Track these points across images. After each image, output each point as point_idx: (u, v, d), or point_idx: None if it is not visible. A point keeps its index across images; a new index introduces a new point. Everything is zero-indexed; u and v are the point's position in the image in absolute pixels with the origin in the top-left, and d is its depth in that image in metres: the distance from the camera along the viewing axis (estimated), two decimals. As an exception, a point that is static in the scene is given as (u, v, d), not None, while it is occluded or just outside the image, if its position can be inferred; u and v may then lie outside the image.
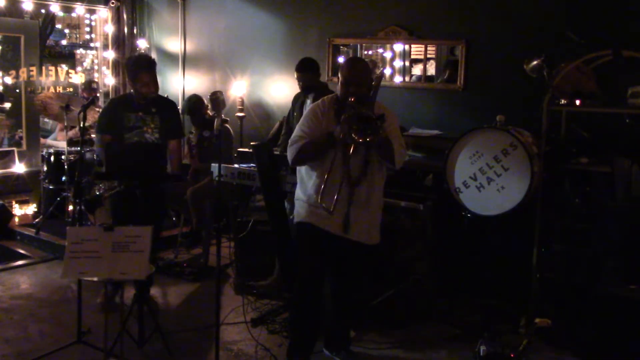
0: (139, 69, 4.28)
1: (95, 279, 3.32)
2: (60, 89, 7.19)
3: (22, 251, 5.85)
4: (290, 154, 3.44)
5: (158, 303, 4.59)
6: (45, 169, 6.46)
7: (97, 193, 4.36)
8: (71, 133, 6.53)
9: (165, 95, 4.86)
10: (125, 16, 7.67)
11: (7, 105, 7.17)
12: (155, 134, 4.37)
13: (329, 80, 5.88)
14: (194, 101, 5.79)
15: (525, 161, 3.87)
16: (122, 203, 4.29)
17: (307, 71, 4.84)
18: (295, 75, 4.87)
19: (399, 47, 6.10)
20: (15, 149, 6.94)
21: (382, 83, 3.90)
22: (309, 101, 4.80)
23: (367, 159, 3.37)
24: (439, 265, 4.50)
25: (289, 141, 3.47)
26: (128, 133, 4.33)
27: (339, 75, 3.44)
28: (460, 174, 4.12)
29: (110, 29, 7.76)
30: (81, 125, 4.16)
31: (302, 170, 3.52)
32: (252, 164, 4.55)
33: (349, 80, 3.35)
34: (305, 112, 3.58)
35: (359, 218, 3.41)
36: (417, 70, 6.22)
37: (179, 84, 7.54)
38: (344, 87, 3.37)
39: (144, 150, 4.35)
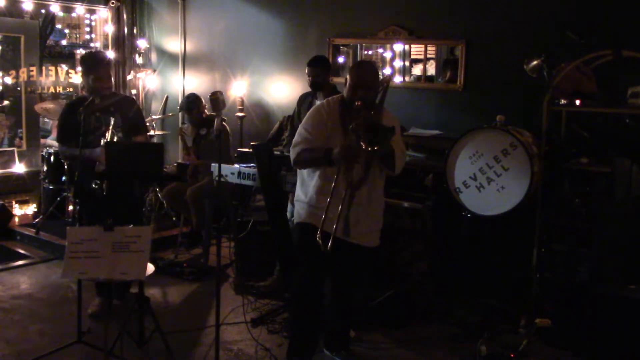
0: (93, 64, 4.20)
1: (95, 279, 3.32)
2: (60, 89, 7.19)
3: (22, 251, 5.84)
4: (292, 154, 3.44)
5: (155, 304, 4.57)
6: (45, 169, 6.46)
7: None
8: None
9: (165, 96, 4.82)
10: (125, 16, 7.67)
11: (6, 102, 7.16)
12: (118, 134, 4.22)
13: (330, 78, 5.87)
14: (192, 100, 5.82)
15: (525, 161, 3.87)
16: (88, 202, 4.23)
17: (317, 66, 4.82)
18: (306, 71, 4.86)
19: (399, 47, 6.10)
20: (15, 149, 6.94)
21: (383, 84, 3.90)
22: (317, 101, 4.78)
23: (369, 162, 3.37)
24: (439, 265, 4.51)
25: (293, 141, 3.47)
26: (90, 136, 4.19)
27: (347, 77, 3.41)
28: (460, 174, 4.12)
29: (110, 29, 7.76)
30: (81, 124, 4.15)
31: (303, 171, 3.51)
32: (252, 164, 4.55)
33: (357, 83, 3.33)
34: (309, 111, 3.57)
35: (360, 221, 3.40)
36: (417, 70, 6.22)
37: (179, 84, 7.55)
38: (352, 89, 3.35)
39: (141, 149, 4.31)
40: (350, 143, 3.13)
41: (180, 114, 7.35)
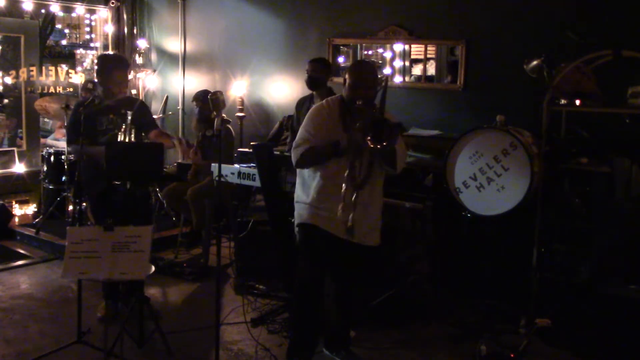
0: (113, 67, 4.21)
1: (95, 279, 3.32)
2: (60, 89, 7.20)
3: (22, 251, 5.84)
4: (294, 156, 3.43)
5: (155, 304, 4.57)
6: (45, 169, 6.46)
7: None
8: None
9: (165, 96, 4.82)
10: (125, 16, 7.68)
11: (5, 100, 7.17)
12: (129, 135, 4.21)
13: (329, 80, 5.88)
14: (207, 92, 5.85)
15: (525, 161, 3.87)
16: (102, 203, 4.21)
17: (318, 63, 4.83)
18: (307, 67, 4.86)
19: (399, 47, 6.11)
20: (15, 149, 6.95)
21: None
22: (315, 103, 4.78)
23: (371, 161, 3.37)
24: (439, 265, 4.50)
25: (294, 143, 3.46)
26: (102, 137, 4.19)
27: (346, 77, 3.40)
28: (460, 174, 4.12)
29: (110, 29, 7.76)
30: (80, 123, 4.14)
31: (304, 172, 3.51)
32: (252, 164, 4.55)
33: (357, 83, 3.33)
34: (309, 112, 3.56)
35: (362, 220, 3.40)
36: (417, 70, 6.23)
37: (179, 84, 7.54)
38: (352, 89, 3.35)
39: (141, 149, 4.31)
40: (356, 140, 3.13)
41: (180, 113, 7.37)
